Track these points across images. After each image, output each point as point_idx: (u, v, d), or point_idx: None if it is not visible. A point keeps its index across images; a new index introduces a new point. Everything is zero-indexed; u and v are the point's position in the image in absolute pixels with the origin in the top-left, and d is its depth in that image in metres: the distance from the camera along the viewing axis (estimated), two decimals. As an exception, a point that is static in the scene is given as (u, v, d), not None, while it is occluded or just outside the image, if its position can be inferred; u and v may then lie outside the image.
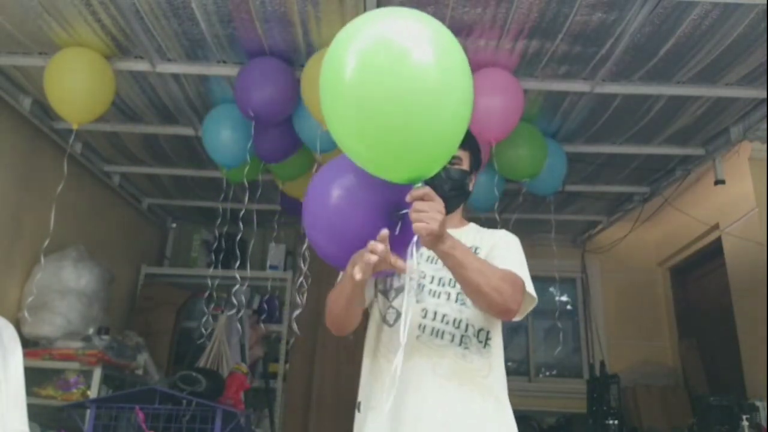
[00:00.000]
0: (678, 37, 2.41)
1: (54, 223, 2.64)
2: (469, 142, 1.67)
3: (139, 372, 3.45)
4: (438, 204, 1.28)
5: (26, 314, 2.92)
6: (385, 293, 1.65)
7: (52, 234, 2.68)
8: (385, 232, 1.28)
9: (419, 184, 1.27)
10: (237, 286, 3.30)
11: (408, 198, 1.28)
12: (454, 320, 1.58)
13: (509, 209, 3.81)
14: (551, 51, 2.54)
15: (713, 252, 4.08)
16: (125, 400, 2.43)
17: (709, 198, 3.89)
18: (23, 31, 2.49)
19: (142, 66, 2.71)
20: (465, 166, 1.69)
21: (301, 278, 2.93)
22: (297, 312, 2.82)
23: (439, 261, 1.52)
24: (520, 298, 1.48)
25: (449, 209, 1.59)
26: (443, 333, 1.56)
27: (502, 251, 1.63)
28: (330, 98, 1.21)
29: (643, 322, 4.86)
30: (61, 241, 3.11)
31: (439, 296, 1.61)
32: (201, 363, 3.96)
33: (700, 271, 4.48)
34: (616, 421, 3.83)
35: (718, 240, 3.96)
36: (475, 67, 2.65)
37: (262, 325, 4.45)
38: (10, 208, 3.05)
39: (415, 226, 1.26)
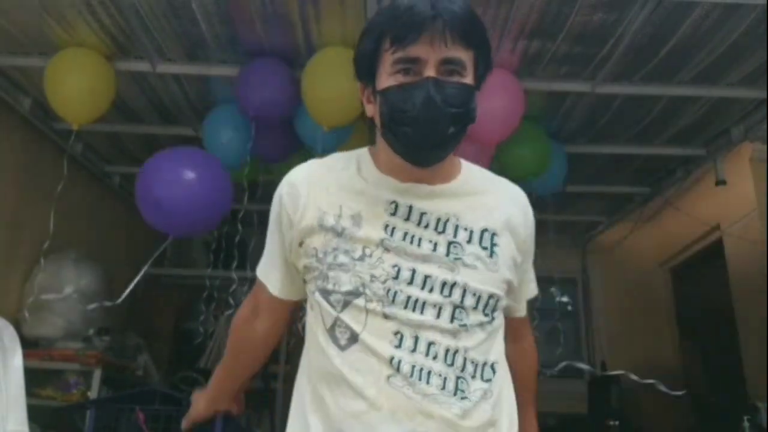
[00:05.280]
0: (679, 37, 2.41)
1: (54, 224, 2.64)
2: (477, 34, 1.00)
3: (139, 373, 3.45)
4: None
5: (26, 314, 2.92)
6: (326, 296, 1.01)
7: (52, 234, 2.68)
8: None
9: None
10: (234, 287, 3.30)
11: None
12: (447, 352, 0.97)
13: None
14: (552, 51, 2.54)
15: (714, 253, 4.06)
16: (125, 401, 2.42)
17: (710, 199, 3.88)
18: (23, 31, 2.49)
19: (142, 66, 2.71)
20: (469, 78, 0.99)
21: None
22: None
23: (424, 226, 1.00)
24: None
25: (444, 152, 1.01)
26: (429, 374, 0.95)
27: (531, 274, 1.20)
28: None
29: (644, 323, 4.85)
30: (61, 241, 3.10)
31: (423, 310, 0.97)
32: (201, 363, 3.96)
33: (701, 272, 4.47)
34: (617, 422, 3.83)
35: (719, 241, 3.95)
36: (476, 67, 2.64)
37: (262, 326, 4.44)
38: (10, 209, 3.04)
39: None
